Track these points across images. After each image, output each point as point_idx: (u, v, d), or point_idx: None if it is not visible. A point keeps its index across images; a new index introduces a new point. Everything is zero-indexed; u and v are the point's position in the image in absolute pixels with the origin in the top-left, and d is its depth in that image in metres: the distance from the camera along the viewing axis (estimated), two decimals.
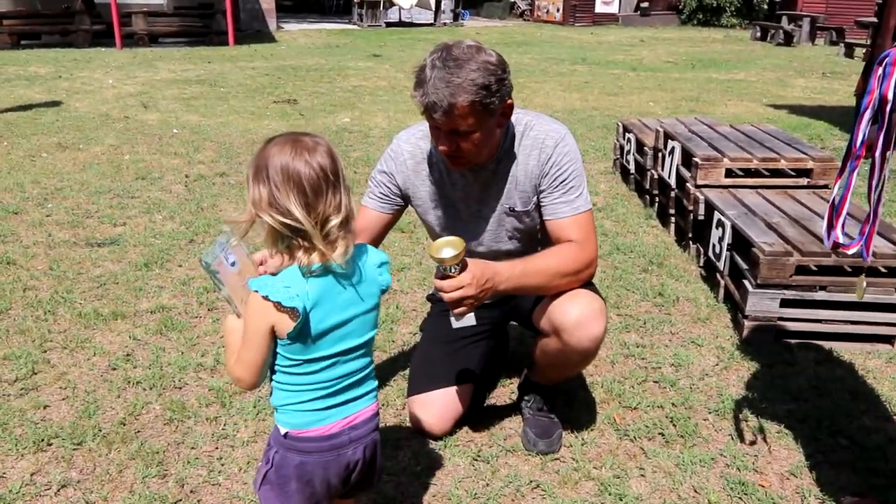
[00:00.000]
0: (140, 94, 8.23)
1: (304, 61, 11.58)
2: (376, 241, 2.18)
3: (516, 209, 2.08)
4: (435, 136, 1.92)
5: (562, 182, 2.01)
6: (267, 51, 13.17)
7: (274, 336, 1.32)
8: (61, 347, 2.70)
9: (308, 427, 1.38)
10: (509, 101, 1.90)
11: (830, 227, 1.76)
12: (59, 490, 1.97)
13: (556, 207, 2.02)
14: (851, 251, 1.77)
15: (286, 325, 1.29)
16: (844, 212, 1.75)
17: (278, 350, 1.36)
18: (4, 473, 2.03)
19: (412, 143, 2.12)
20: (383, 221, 2.17)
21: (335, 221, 1.29)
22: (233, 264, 1.37)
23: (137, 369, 2.56)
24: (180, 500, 1.93)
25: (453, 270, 1.74)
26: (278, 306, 1.28)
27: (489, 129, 1.89)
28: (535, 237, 2.16)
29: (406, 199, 2.16)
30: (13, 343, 2.72)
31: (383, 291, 1.45)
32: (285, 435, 1.40)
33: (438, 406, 2.18)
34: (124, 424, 2.24)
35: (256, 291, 1.29)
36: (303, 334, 1.32)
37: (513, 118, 2.01)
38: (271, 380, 1.42)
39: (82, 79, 9.35)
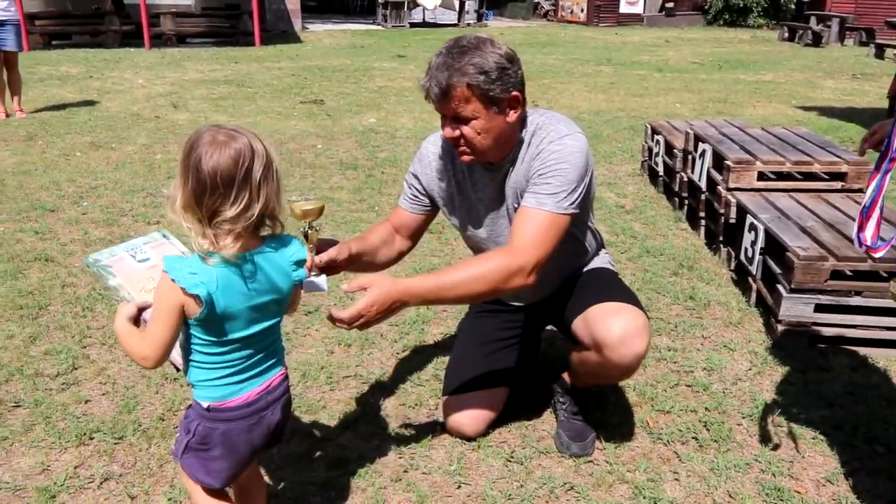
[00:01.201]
0: (170, 94, 8.35)
1: (329, 62, 11.66)
2: (413, 239, 2.21)
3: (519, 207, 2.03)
4: (441, 124, 1.93)
5: (541, 176, 1.90)
6: (292, 51, 13.28)
7: (184, 315, 1.39)
8: (100, 343, 2.76)
9: (228, 398, 1.47)
10: (515, 94, 1.87)
11: (861, 229, 1.76)
12: (101, 483, 2.01)
13: (525, 198, 1.91)
14: (879, 254, 1.77)
15: (193, 308, 1.38)
16: (875, 214, 1.75)
17: (191, 330, 1.44)
18: (49, 466, 2.08)
19: (437, 145, 2.14)
20: (416, 221, 2.19)
21: (224, 216, 1.34)
22: (143, 261, 1.58)
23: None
24: None
25: (311, 229, 1.71)
26: (184, 291, 1.35)
27: (491, 118, 1.86)
28: (565, 247, 2.13)
29: (432, 201, 2.18)
30: (54, 338, 2.79)
31: (296, 284, 1.54)
32: (208, 408, 1.48)
33: (473, 408, 2.20)
34: (163, 420, 2.29)
35: (166, 272, 1.36)
36: (211, 318, 1.39)
37: (528, 119, 1.99)
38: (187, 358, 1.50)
39: (113, 79, 9.50)
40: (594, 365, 2.06)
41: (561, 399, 2.31)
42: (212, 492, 1.56)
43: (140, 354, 1.42)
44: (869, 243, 1.88)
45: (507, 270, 1.81)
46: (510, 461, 2.13)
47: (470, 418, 2.19)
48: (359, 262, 2.00)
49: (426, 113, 7.44)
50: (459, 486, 2.03)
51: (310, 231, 1.72)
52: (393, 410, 2.37)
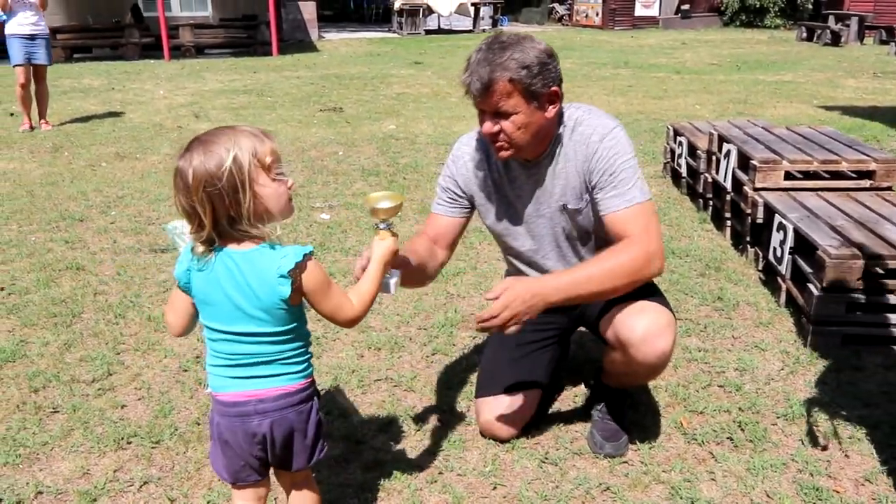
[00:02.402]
0: (191, 105, 8.45)
1: (347, 70, 11.74)
2: (451, 249, 2.20)
3: (569, 207, 2.05)
4: (480, 120, 1.92)
5: (611, 175, 1.94)
6: (310, 60, 13.39)
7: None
8: (133, 349, 2.79)
9: (218, 391, 1.50)
10: (554, 89, 1.88)
11: None
12: (141, 486, 2.04)
13: (609, 202, 1.95)
14: None
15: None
16: None
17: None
18: (89, 470, 2.11)
19: (472, 145, 2.14)
20: (453, 225, 2.18)
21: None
22: None
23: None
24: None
25: (383, 226, 1.65)
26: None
27: (532, 113, 1.87)
28: (590, 236, 2.14)
29: (471, 201, 2.18)
30: (88, 345, 2.83)
31: (287, 299, 1.41)
32: (210, 395, 1.53)
33: (506, 410, 2.20)
34: (199, 424, 2.31)
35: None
36: (195, 301, 1.47)
37: (565, 114, 2.01)
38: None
39: (134, 90, 9.63)
40: (621, 364, 2.07)
41: (596, 400, 2.31)
42: (238, 489, 1.59)
43: (165, 321, 1.59)
44: None
45: (641, 259, 1.88)
46: (545, 462, 2.13)
47: (503, 420, 2.20)
48: (410, 278, 1.96)
49: (444, 119, 7.47)
50: (495, 488, 2.03)
51: (382, 229, 1.65)
52: (425, 413, 2.37)
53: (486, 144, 2.06)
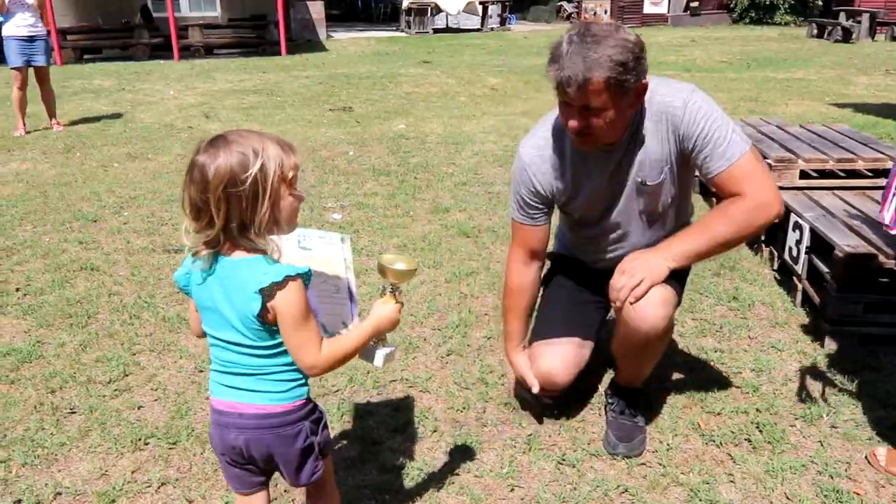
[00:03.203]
0: (201, 105, 8.47)
1: (355, 69, 11.74)
2: (545, 254, 2.27)
3: (648, 183, 2.02)
4: (565, 112, 1.89)
5: (705, 139, 1.92)
6: (318, 59, 13.41)
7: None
8: (149, 350, 2.80)
9: (212, 395, 1.47)
10: (644, 82, 1.86)
11: (882, 208, 1.95)
12: (159, 487, 2.04)
13: (711, 165, 1.93)
14: (893, 232, 2.00)
15: None
16: (891, 194, 1.98)
17: None
18: (107, 471, 2.11)
19: (539, 148, 2.10)
20: (547, 232, 2.21)
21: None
22: (304, 248, 1.56)
23: None
24: (275, 498, 1.98)
25: (390, 290, 1.53)
26: None
27: (622, 108, 1.85)
28: (667, 212, 2.13)
29: (554, 201, 2.15)
30: (104, 346, 2.84)
31: (257, 315, 1.33)
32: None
33: (563, 353, 2.21)
34: None
35: None
36: (195, 303, 1.44)
37: None
38: None
39: (144, 91, 9.67)
40: (619, 339, 2.10)
41: (610, 400, 2.30)
42: (237, 494, 1.56)
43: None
44: (886, 222, 2.19)
45: (757, 209, 1.91)
46: (562, 464, 2.13)
47: (561, 362, 2.19)
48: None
49: (454, 118, 7.46)
50: (512, 489, 2.02)
51: (391, 293, 1.53)
52: (441, 414, 2.37)
53: (558, 140, 2.05)
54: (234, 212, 1.30)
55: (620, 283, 1.93)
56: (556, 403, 2.35)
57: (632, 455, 2.15)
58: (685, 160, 2.01)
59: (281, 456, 1.44)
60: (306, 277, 1.35)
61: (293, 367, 1.41)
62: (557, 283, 2.42)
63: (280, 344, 1.38)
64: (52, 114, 7.10)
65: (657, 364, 2.52)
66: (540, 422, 2.32)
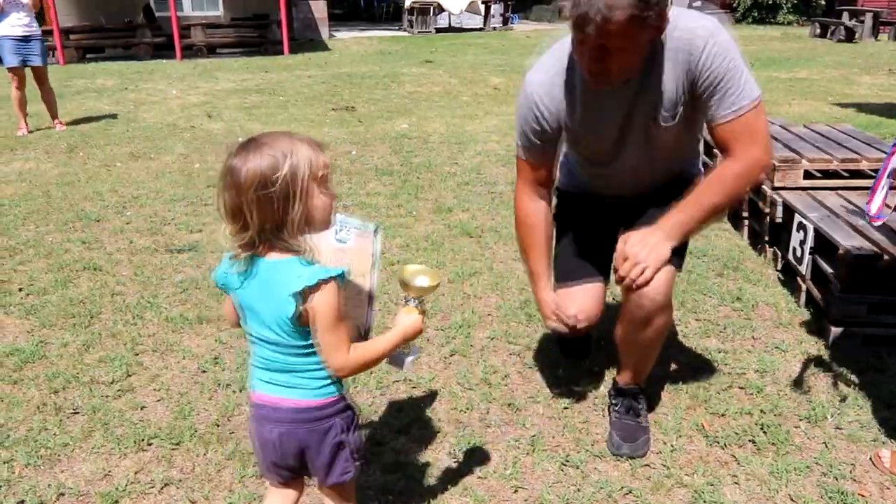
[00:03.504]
0: (203, 104, 8.47)
1: (358, 68, 11.74)
2: (553, 178, 2.24)
3: (661, 123, 1.97)
4: (580, 52, 1.81)
5: (720, 83, 1.85)
6: (321, 59, 13.41)
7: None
8: (152, 350, 2.80)
9: (251, 389, 1.52)
10: (664, 13, 1.75)
11: (868, 200, 2.06)
12: (162, 488, 2.04)
13: (717, 112, 1.88)
14: (876, 224, 2.17)
15: None
16: (879, 186, 2.16)
17: None
18: (110, 472, 2.11)
19: (546, 83, 2.02)
20: (552, 159, 2.16)
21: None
22: (340, 241, 1.55)
23: (226, 372, 2.63)
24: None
25: (413, 303, 1.53)
26: None
27: (641, 45, 1.77)
28: (680, 147, 2.11)
29: (561, 132, 2.09)
30: (107, 346, 2.83)
31: (292, 318, 1.36)
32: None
33: (589, 295, 2.23)
34: (218, 426, 2.31)
35: None
36: (233, 301, 1.47)
37: None
38: None
39: (147, 90, 9.67)
40: (624, 320, 2.11)
41: (613, 401, 2.30)
42: (270, 485, 1.61)
43: None
44: (871, 213, 2.35)
45: (746, 171, 1.90)
46: (565, 465, 2.12)
47: (591, 301, 2.23)
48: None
49: (457, 118, 7.45)
50: (516, 491, 2.02)
51: (412, 305, 1.53)
52: (445, 415, 2.37)
53: (568, 73, 1.98)
54: (267, 213, 1.32)
55: (624, 270, 1.92)
56: (561, 405, 2.34)
57: (636, 455, 2.14)
58: (696, 100, 1.93)
59: (313, 451, 1.48)
60: (341, 278, 1.37)
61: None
62: (568, 223, 2.40)
63: (314, 344, 1.41)
64: (53, 114, 7.09)
65: (660, 362, 2.51)
66: (543, 422, 2.32)
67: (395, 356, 1.57)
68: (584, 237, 2.34)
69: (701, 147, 2.24)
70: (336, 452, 1.49)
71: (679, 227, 1.93)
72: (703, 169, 2.35)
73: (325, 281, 1.35)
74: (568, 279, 2.28)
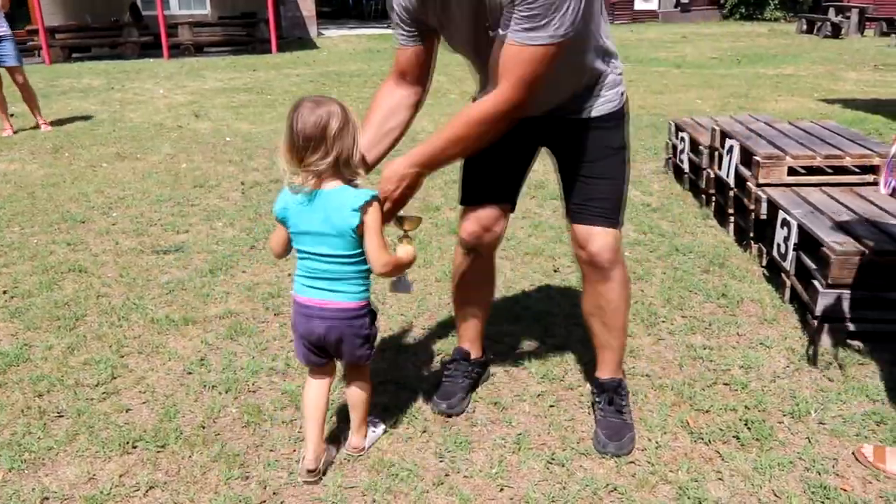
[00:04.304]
0: (191, 104, 8.43)
1: (346, 67, 11.71)
2: (420, 79, 2.14)
3: (500, 31, 1.86)
4: None
5: (526, 4, 1.74)
6: (309, 57, 13.37)
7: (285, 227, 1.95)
8: (137, 352, 2.79)
9: (297, 294, 1.98)
10: None
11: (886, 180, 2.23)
12: (147, 491, 2.03)
13: (513, 32, 1.79)
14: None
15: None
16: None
17: None
18: (94, 475, 2.10)
19: None
20: (415, 55, 2.08)
21: (307, 162, 1.79)
22: None
23: (212, 374, 2.62)
24: (264, 501, 1.98)
25: (406, 237, 2.02)
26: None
27: None
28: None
29: (426, 26, 2.03)
30: (92, 348, 2.82)
31: (355, 228, 1.84)
32: (292, 296, 2.02)
33: (491, 217, 2.29)
34: (204, 427, 2.30)
35: None
36: (290, 231, 1.93)
37: None
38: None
39: (134, 90, 9.62)
40: (585, 293, 2.24)
41: (597, 399, 2.31)
42: (311, 373, 2.08)
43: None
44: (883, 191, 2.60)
45: (498, 108, 1.88)
46: (551, 463, 2.13)
47: (489, 227, 2.30)
48: (385, 148, 2.13)
49: (445, 115, 7.44)
50: (502, 489, 2.02)
51: (407, 240, 2.02)
52: (430, 414, 2.37)
53: None
54: (344, 145, 1.80)
55: (384, 190, 1.93)
56: (546, 403, 2.34)
57: (621, 454, 2.15)
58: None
59: (349, 341, 1.97)
60: (377, 199, 1.87)
61: (364, 275, 1.95)
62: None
63: (360, 254, 1.90)
64: (35, 113, 7.00)
65: (644, 358, 2.52)
66: (529, 421, 2.33)
67: (401, 284, 2.08)
68: (490, 155, 2.19)
69: (599, 66, 2.08)
70: (364, 341, 2.00)
71: (419, 157, 1.94)
72: (614, 69, 2.17)
73: (375, 198, 1.85)
74: (470, 202, 2.31)
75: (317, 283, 1.93)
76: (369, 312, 2.00)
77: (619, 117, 2.18)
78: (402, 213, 2.01)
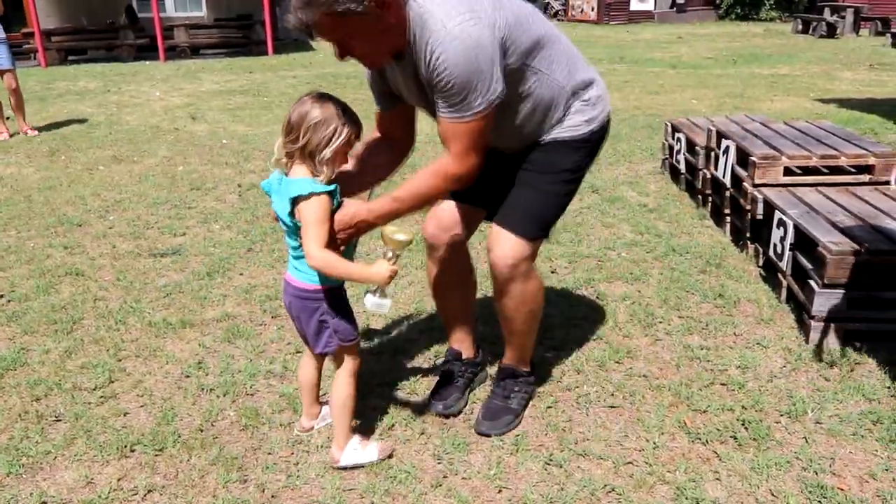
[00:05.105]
0: (187, 106, 8.42)
1: (342, 69, 11.70)
2: (403, 135, 2.25)
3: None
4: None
5: (437, 86, 1.84)
6: (305, 59, 13.37)
7: None
8: (135, 356, 2.79)
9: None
10: (372, 4, 1.75)
11: None
12: (145, 495, 2.03)
13: (440, 110, 1.88)
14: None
15: None
16: None
17: None
18: (93, 479, 2.10)
19: None
20: (390, 118, 2.21)
21: (288, 147, 1.91)
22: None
23: (209, 377, 2.62)
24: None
25: (389, 255, 1.95)
26: None
27: (366, 30, 1.80)
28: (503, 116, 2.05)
29: (387, 87, 2.13)
30: (89, 352, 2.82)
31: (289, 215, 1.92)
32: None
33: (444, 220, 2.33)
34: (202, 431, 2.30)
35: None
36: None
37: (414, 7, 1.84)
38: None
39: (130, 92, 9.61)
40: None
41: (494, 381, 2.44)
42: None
43: None
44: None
45: (444, 184, 1.98)
46: (549, 464, 2.13)
47: (439, 228, 2.33)
48: (366, 179, 2.21)
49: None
50: (500, 491, 2.03)
51: (390, 258, 1.95)
52: (428, 417, 2.37)
53: None
54: (315, 139, 1.86)
55: (339, 222, 1.97)
56: (544, 404, 2.35)
57: (492, 433, 2.24)
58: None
59: (304, 321, 2.04)
60: (333, 193, 1.90)
61: None
62: None
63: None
64: (21, 117, 6.93)
65: (642, 359, 2.52)
66: (526, 423, 2.33)
67: (370, 300, 1.98)
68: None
69: (552, 102, 2.09)
70: (320, 328, 2.03)
71: (380, 210, 2.00)
72: (581, 99, 2.16)
73: (316, 194, 1.86)
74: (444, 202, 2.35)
75: (289, 259, 2.06)
76: (329, 300, 2.00)
77: (579, 143, 2.16)
78: (394, 227, 1.96)
